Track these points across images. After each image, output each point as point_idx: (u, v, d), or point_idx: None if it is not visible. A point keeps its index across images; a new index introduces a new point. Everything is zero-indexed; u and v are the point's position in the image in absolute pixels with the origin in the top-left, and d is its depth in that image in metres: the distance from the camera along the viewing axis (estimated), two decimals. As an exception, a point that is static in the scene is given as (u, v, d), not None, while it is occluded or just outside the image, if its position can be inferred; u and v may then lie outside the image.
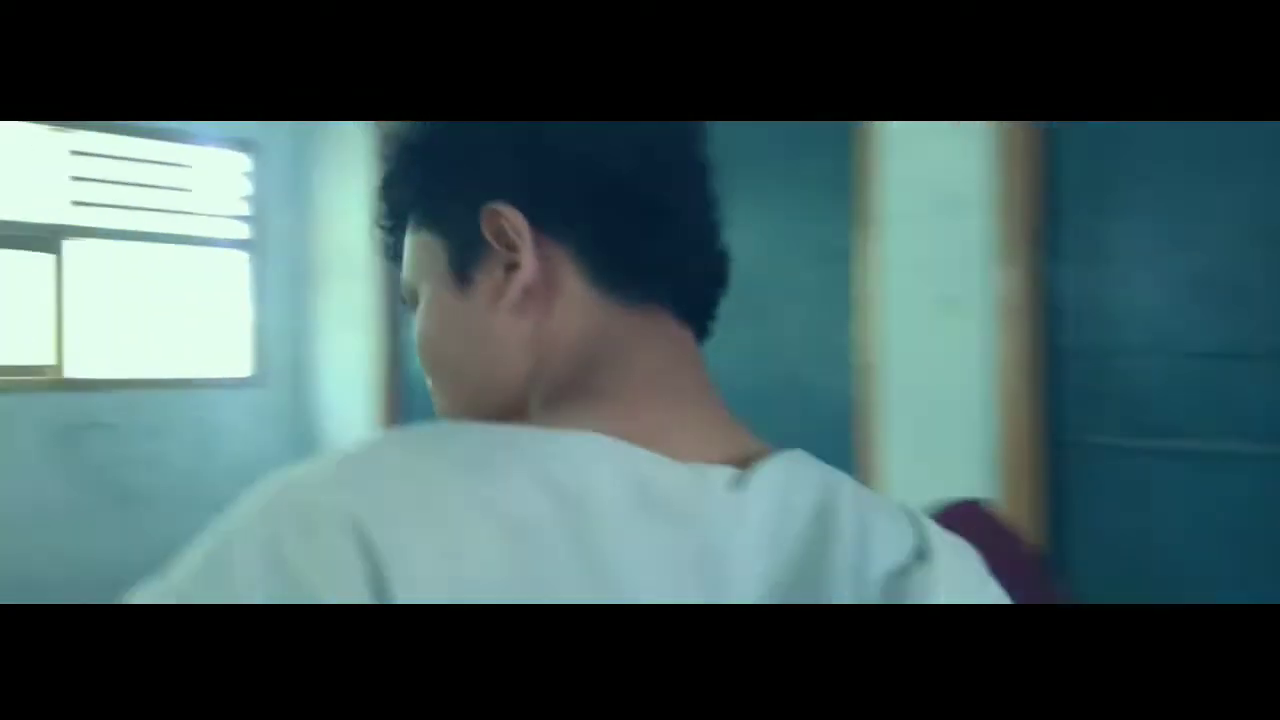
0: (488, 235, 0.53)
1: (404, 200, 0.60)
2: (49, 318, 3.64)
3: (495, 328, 0.54)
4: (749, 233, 2.61)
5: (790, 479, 0.50)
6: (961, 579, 0.50)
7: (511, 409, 0.55)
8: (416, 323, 0.59)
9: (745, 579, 0.46)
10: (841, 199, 2.52)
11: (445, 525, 0.41)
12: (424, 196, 0.58)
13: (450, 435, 0.48)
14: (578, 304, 0.54)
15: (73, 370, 3.67)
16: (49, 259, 3.63)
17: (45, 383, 3.63)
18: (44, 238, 3.61)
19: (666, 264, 0.56)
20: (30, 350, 3.62)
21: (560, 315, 0.54)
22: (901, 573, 0.48)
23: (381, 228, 0.63)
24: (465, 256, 0.55)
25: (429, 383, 0.61)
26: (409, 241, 0.60)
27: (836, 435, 2.48)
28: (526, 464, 0.45)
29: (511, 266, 0.53)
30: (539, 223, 0.53)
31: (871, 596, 0.47)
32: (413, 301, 0.61)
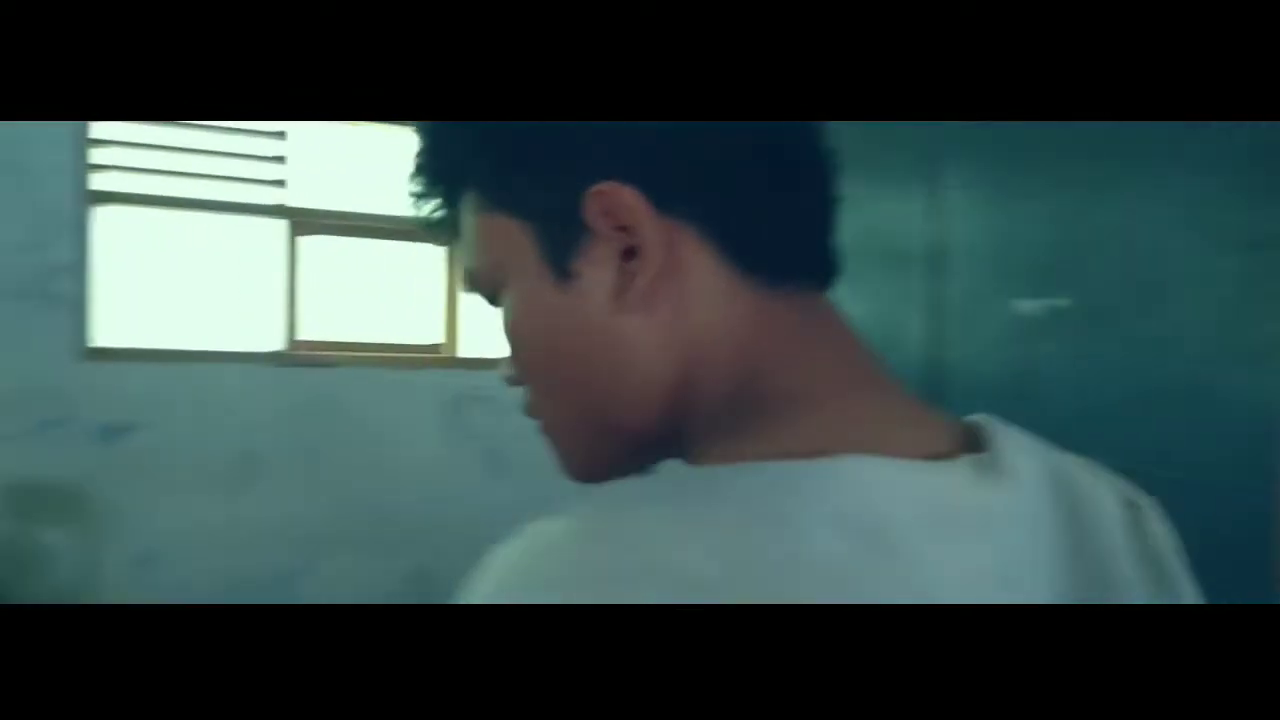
0: (593, 220, 0.45)
1: (464, 176, 0.50)
2: (442, 302, 4.07)
3: (621, 329, 0.45)
4: (1142, 216, 2.32)
5: (1018, 452, 0.44)
6: (1156, 514, 0.48)
7: (653, 423, 0.47)
8: (506, 323, 0.50)
9: (1036, 572, 0.41)
10: (1274, 176, 2.16)
11: (767, 596, 0.35)
12: (497, 174, 0.48)
13: (703, 486, 0.39)
14: (718, 291, 0.45)
15: (463, 349, 4.08)
16: (442, 250, 4.05)
17: (439, 360, 4.06)
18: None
19: (806, 227, 0.47)
20: (426, 331, 4.07)
21: (701, 307, 0.45)
22: (1134, 521, 0.46)
23: (423, 202, 0.52)
24: (563, 245, 0.46)
25: (524, 387, 0.52)
26: (476, 223, 0.50)
27: (1250, 445, 2.14)
28: (807, 505, 0.37)
29: (629, 253, 0.45)
30: (654, 198, 0.44)
31: (1131, 552, 0.44)
32: (486, 292, 0.51)
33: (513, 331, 0.50)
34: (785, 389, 0.44)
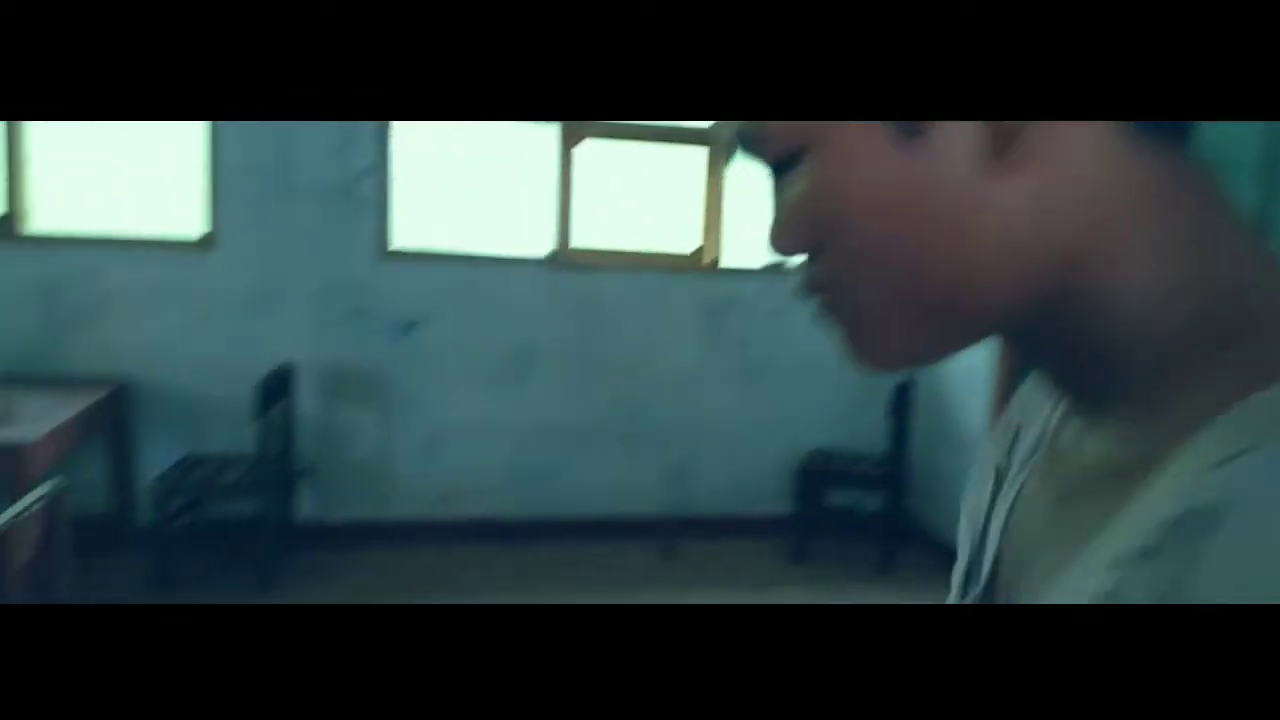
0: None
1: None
2: (703, 209, 4.08)
3: (990, 194, 0.38)
4: None
5: None
6: None
7: (1022, 305, 0.40)
8: (811, 187, 0.42)
9: None
10: None
11: None
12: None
13: None
14: (1112, 147, 0.38)
15: (724, 257, 4.10)
16: (701, 152, 4.04)
17: (700, 266, 4.10)
18: (697, 134, 4.02)
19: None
20: (688, 238, 4.10)
21: (1093, 166, 0.38)
22: None
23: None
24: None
25: (811, 258, 0.43)
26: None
27: None
28: None
29: None
30: None
31: None
32: (777, 153, 0.43)
33: (824, 196, 0.42)
34: (1231, 284, 0.38)
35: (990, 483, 0.52)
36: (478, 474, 3.96)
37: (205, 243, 3.65)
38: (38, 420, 2.93)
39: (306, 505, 3.81)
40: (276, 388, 3.48)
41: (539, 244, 3.96)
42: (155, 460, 3.56)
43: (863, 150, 0.40)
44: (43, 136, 3.57)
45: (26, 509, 1.82)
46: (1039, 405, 0.51)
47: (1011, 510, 0.48)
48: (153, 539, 3.36)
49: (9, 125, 3.49)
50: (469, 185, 3.95)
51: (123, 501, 3.64)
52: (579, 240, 3.98)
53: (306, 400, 3.75)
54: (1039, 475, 0.47)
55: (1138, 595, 0.32)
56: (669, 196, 4.11)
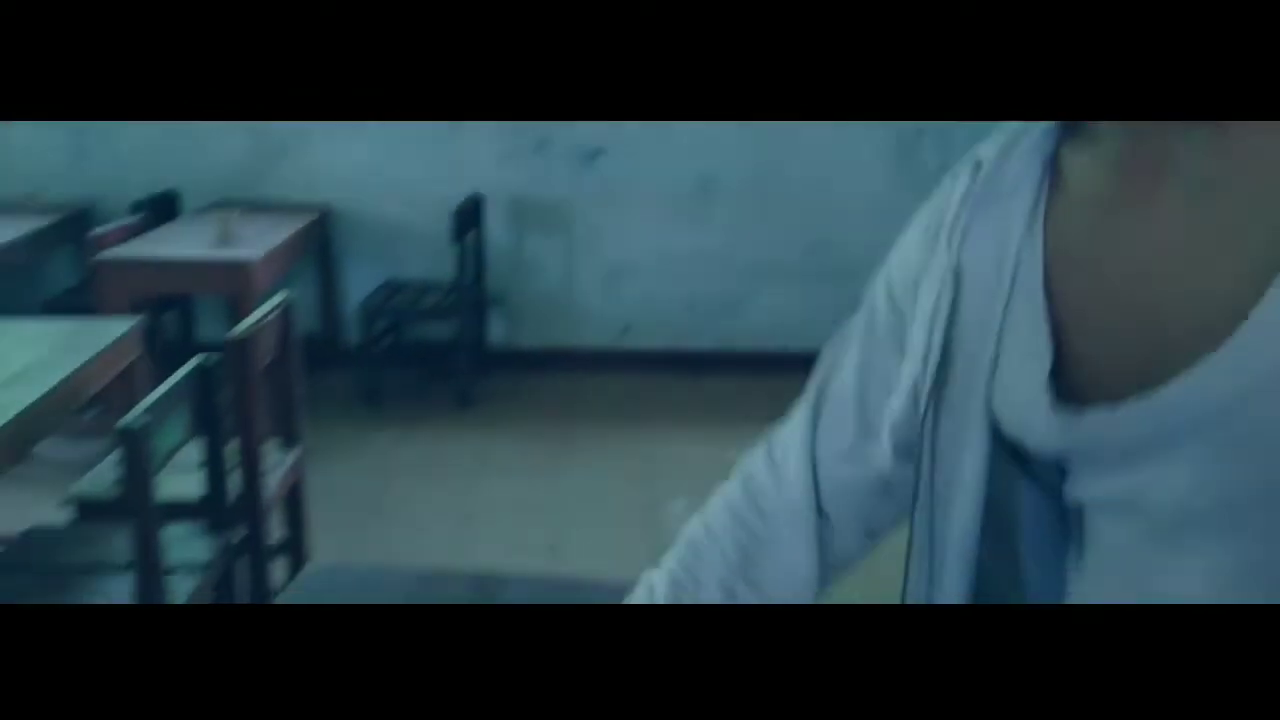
0: None
1: None
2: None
3: None
4: None
5: None
6: None
7: None
8: None
9: None
10: None
11: None
12: None
13: None
14: None
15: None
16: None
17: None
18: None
19: None
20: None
21: None
22: None
23: None
24: None
25: None
26: None
27: None
28: None
29: None
30: None
31: None
32: None
33: None
34: None
35: (949, 289, 0.52)
36: (659, 305, 4.00)
37: (396, 72, 3.70)
38: (256, 242, 3.13)
39: (497, 331, 3.96)
40: (469, 216, 3.58)
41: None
42: (359, 284, 3.77)
43: None
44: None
45: (264, 317, 1.96)
46: (998, 195, 0.50)
47: (1048, 274, 0.46)
48: (360, 358, 3.60)
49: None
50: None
51: (331, 322, 3.90)
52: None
53: (496, 230, 3.85)
54: (1121, 213, 0.43)
55: None
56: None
